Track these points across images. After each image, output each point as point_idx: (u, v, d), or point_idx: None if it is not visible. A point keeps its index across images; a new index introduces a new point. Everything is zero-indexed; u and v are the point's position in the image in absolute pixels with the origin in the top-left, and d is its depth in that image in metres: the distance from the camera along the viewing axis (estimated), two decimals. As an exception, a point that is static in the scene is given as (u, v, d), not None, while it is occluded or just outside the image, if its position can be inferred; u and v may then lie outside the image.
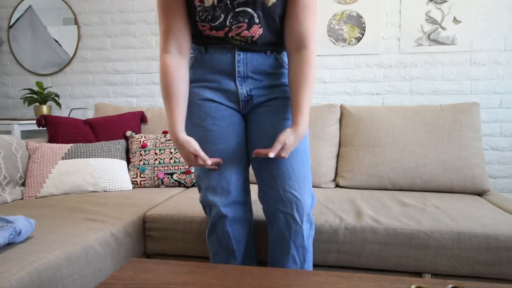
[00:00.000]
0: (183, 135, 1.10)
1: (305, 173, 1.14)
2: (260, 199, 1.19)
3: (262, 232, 1.35)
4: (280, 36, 1.14)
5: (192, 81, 1.17)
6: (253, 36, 1.10)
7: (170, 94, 1.09)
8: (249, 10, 1.04)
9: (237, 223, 1.17)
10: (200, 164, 1.10)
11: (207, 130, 1.15)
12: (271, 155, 1.05)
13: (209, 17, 1.05)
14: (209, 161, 1.09)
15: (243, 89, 1.15)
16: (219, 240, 1.18)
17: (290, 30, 1.09)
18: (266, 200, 1.15)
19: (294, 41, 1.10)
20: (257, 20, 1.07)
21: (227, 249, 1.17)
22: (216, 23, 1.07)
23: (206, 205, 1.18)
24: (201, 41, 1.14)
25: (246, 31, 1.08)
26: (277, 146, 1.05)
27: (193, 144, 1.09)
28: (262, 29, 1.09)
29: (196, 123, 1.17)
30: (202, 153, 1.09)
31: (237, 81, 1.15)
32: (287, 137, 1.05)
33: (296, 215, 1.10)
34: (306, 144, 1.18)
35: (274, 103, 1.17)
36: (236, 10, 1.04)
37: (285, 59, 1.20)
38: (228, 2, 1.03)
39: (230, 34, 1.09)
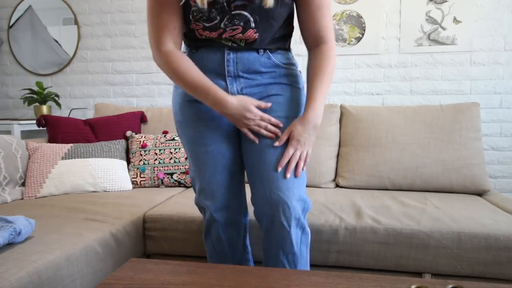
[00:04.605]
0: (232, 98, 1.03)
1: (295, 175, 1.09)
2: (251, 201, 1.15)
3: (260, 233, 1.34)
4: (275, 38, 1.10)
5: None
6: (247, 39, 1.07)
7: (189, 75, 1.02)
8: (246, 13, 1.01)
9: (230, 227, 1.15)
10: (264, 123, 1.05)
11: (197, 131, 1.12)
12: (276, 144, 1.04)
13: (204, 18, 1.02)
14: (273, 119, 1.04)
15: (233, 89, 1.11)
16: (213, 244, 1.16)
17: (307, 30, 1.09)
18: (255, 203, 1.10)
19: (312, 39, 1.09)
20: (253, 25, 1.03)
21: (220, 253, 1.16)
22: (211, 24, 1.03)
23: (200, 207, 1.17)
24: (191, 42, 1.11)
25: (241, 34, 1.05)
26: (283, 137, 1.04)
27: (250, 100, 1.04)
28: (257, 34, 1.05)
29: (186, 123, 1.13)
30: (260, 112, 1.04)
31: (227, 80, 1.10)
32: (293, 125, 1.04)
33: (283, 219, 1.02)
34: None
35: (264, 101, 1.12)
36: (233, 12, 1.01)
37: (281, 58, 1.14)
38: (225, 4, 0.99)
39: (223, 36, 1.06)
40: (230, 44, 1.08)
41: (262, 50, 1.11)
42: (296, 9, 1.09)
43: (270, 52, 1.12)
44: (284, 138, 1.04)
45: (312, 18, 1.06)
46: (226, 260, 1.17)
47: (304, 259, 1.09)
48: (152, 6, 1.02)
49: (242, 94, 1.12)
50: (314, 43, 1.10)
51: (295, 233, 1.05)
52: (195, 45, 1.12)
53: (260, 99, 1.12)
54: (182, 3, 1.02)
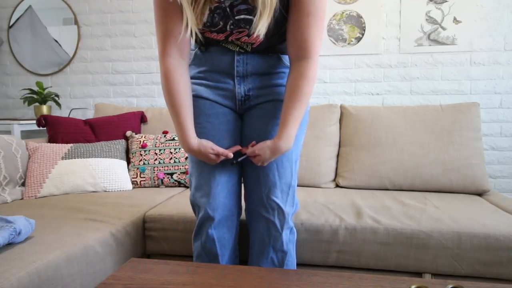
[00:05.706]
0: (195, 142, 1.07)
1: (291, 182, 1.14)
2: (245, 200, 1.19)
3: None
4: (282, 40, 1.10)
5: (190, 76, 1.15)
6: (253, 43, 1.07)
7: (175, 101, 1.05)
8: (250, 17, 1.01)
9: (223, 227, 1.15)
10: (222, 159, 1.09)
11: (200, 127, 1.13)
12: (245, 150, 1.09)
13: (208, 24, 1.03)
14: (231, 154, 1.07)
15: (240, 89, 1.13)
16: (202, 244, 1.16)
17: (292, 37, 1.03)
18: (249, 201, 1.16)
19: (295, 49, 1.04)
20: None
21: (210, 253, 1.15)
22: (216, 28, 1.04)
23: (195, 205, 1.17)
24: (201, 41, 1.12)
25: (247, 37, 1.05)
26: (250, 153, 1.06)
27: (209, 145, 1.06)
28: (263, 37, 1.05)
29: None
30: (221, 150, 1.07)
31: (235, 80, 1.12)
32: (264, 150, 1.04)
33: (277, 222, 1.12)
34: (297, 153, 1.17)
35: (270, 106, 1.13)
36: (236, 17, 1.01)
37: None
38: (228, 9, 1.00)
39: (230, 38, 1.07)
40: (237, 50, 1.10)
41: (271, 53, 1.13)
42: (288, 17, 1.04)
43: (280, 54, 1.14)
44: (250, 153, 1.07)
45: (300, 25, 1.00)
46: (214, 260, 1.16)
47: (291, 257, 1.17)
48: (157, 13, 1.03)
49: (249, 95, 1.14)
50: (296, 55, 1.04)
51: (285, 234, 1.14)
52: (205, 44, 1.13)
53: (262, 102, 1.15)
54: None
